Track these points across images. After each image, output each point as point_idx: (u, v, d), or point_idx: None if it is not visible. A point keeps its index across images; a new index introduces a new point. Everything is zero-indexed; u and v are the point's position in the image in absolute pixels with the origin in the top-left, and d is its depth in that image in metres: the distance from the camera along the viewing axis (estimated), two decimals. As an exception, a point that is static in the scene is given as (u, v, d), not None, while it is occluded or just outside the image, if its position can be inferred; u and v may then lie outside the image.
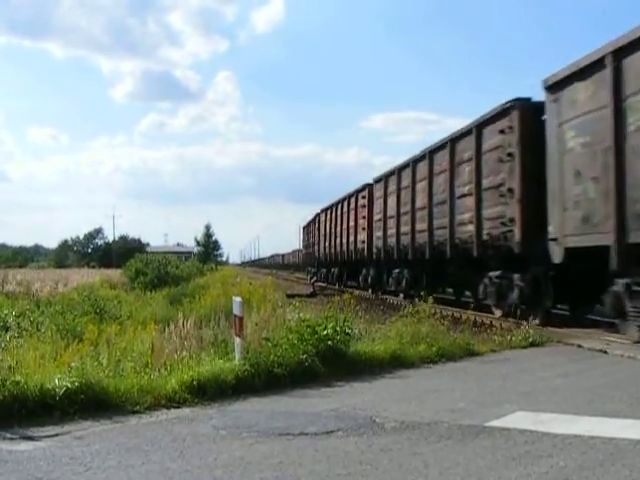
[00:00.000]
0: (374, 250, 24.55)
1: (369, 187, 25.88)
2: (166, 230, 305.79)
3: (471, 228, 15.16)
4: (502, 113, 13.63)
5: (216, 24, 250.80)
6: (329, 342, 8.23)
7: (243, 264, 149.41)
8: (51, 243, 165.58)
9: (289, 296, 20.98)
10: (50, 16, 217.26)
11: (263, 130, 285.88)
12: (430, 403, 6.50)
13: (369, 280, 26.24)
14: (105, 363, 7.22)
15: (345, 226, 29.91)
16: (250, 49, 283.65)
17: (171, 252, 68.31)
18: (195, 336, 8.86)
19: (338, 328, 8.53)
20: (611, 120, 10.00)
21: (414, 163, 19.91)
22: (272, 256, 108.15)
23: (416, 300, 11.57)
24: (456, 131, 16.53)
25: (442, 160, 17.41)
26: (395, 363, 8.56)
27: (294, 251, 72.06)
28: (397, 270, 21.89)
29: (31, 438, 5.44)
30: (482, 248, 14.71)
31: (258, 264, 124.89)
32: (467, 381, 7.65)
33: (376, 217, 24.37)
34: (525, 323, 11.50)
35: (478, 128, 14.87)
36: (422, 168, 19.15)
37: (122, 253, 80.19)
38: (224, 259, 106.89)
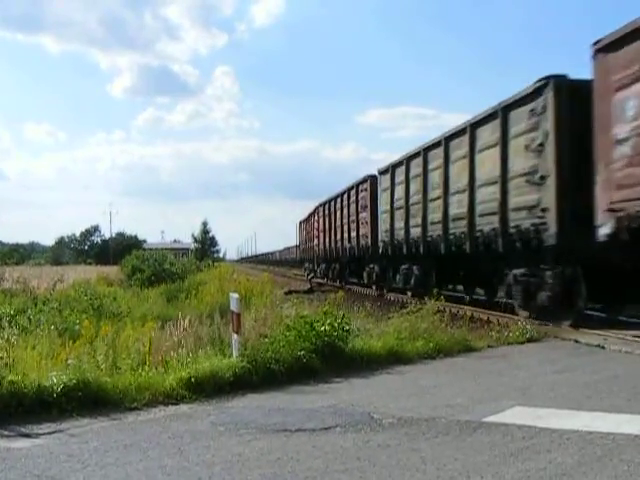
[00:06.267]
0: (511, 231, 12.42)
1: (505, 111, 12.55)
2: (163, 227, 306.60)
3: None
4: None
5: (215, 17, 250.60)
6: (327, 338, 8.22)
7: (240, 260, 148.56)
8: (48, 240, 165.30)
9: (287, 293, 21.11)
10: (44, 10, 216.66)
11: (261, 126, 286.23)
12: (428, 399, 6.50)
13: (507, 289, 13.20)
14: (102, 360, 7.21)
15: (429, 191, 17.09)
16: (249, 43, 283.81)
17: (168, 249, 67.97)
18: (192, 333, 8.84)
19: (336, 324, 8.53)
20: None
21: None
22: (287, 249, 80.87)
23: None
24: None
25: None
26: (393, 359, 8.55)
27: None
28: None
29: (29, 435, 5.44)
30: None
31: (261, 260, 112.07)
32: (465, 377, 7.65)
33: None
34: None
35: None
36: None
37: (119, 250, 79.86)
38: (221, 255, 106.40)
